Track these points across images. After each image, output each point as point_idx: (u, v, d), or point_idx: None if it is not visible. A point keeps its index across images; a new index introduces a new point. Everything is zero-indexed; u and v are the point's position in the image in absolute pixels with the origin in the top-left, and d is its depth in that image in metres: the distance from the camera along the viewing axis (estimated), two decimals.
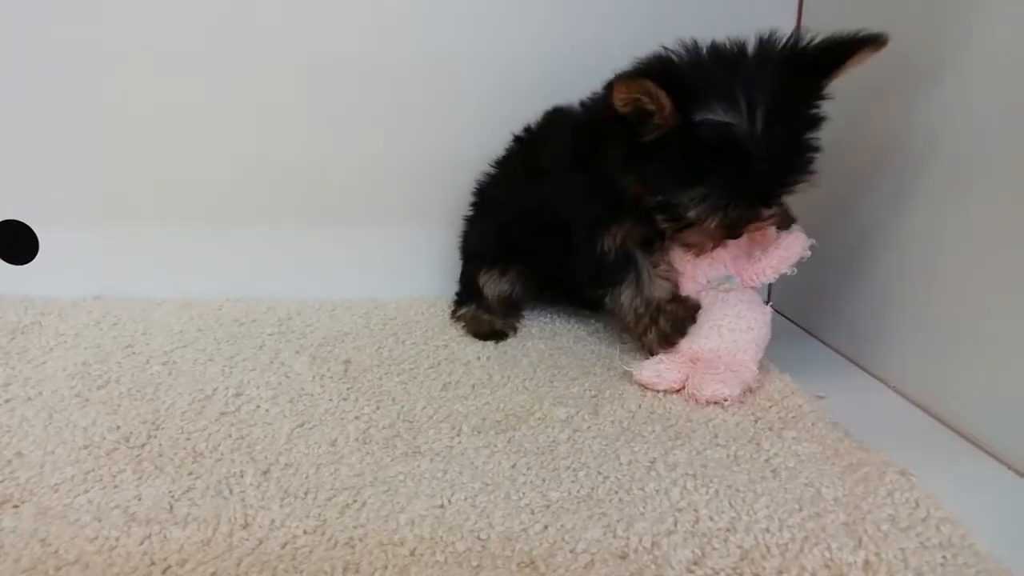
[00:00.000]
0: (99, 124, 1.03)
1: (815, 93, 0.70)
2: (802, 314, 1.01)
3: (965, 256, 0.71)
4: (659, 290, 0.83)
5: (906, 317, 0.79)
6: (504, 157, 0.98)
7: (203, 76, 1.01)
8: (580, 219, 0.84)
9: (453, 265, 1.07)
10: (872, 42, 0.67)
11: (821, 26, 0.71)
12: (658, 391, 0.77)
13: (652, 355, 0.81)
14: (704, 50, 0.72)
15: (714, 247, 0.79)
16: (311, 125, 1.05)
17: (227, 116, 1.04)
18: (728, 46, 0.72)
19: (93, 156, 1.04)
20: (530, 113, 0.96)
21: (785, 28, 0.87)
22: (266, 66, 1.02)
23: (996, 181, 0.68)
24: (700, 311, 0.80)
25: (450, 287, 1.05)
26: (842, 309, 0.91)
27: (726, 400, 0.73)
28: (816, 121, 0.71)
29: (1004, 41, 0.68)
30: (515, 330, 0.96)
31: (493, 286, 0.96)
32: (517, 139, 0.96)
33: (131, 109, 1.02)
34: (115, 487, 0.58)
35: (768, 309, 0.80)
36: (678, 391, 0.77)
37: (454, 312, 0.99)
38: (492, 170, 0.99)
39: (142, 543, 0.51)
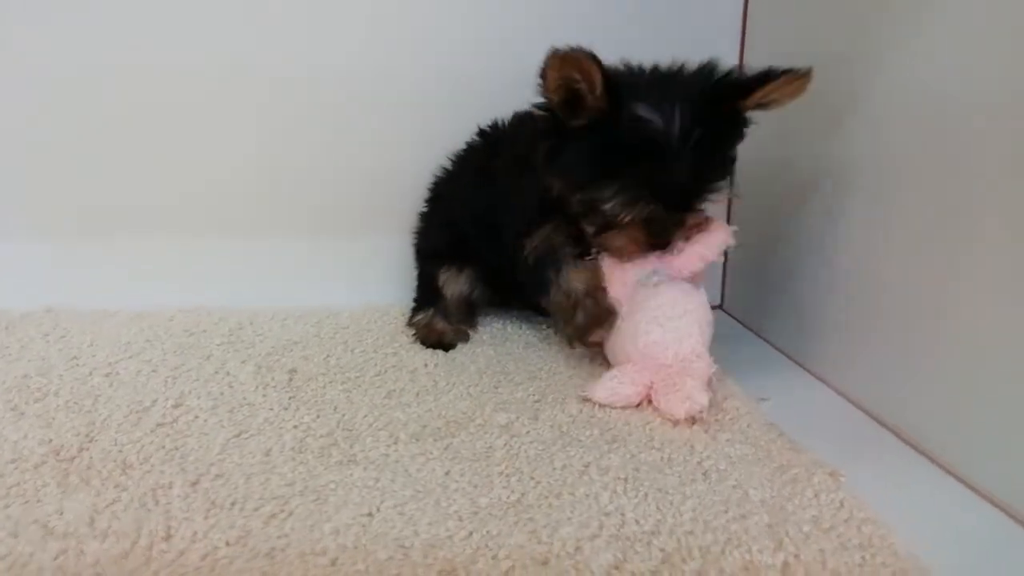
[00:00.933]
0: (51, 137, 1.02)
1: (735, 111, 0.72)
2: (750, 316, 1.02)
3: (900, 259, 0.72)
4: (577, 281, 0.81)
5: (848, 320, 0.80)
6: (463, 152, 0.97)
7: (156, 91, 1.01)
8: (511, 223, 0.85)
9: (408, 273, 1.07)
10: (790, 75, 0.69)
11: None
12: (618, 408, 0.74)
13: (571, 347, 0.85)
14: (642, 64, 0.75)
15: (638, 253, 0.78)
16: (264, 136, 1.05)
17: (178, 130, 1.03)
18: (667, 67, 0.74)
19: (45, 169, 1.04)
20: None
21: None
22: (219, 80, 1.02)
23: (914, 191, 0.70)
24: (632, 310, 0.79)
25: (404, 295, 1.05)
26: (789, 312, 0.91)
27: (702, 411, 0.71)
28: (734, 135, 0.74)
29: (914, 68, 0.70)
30: (467, 338, 0.96)
31: (452, 286, 0.95)
32: (481, 133, 0.95)
33: (82, 123, 1.02)
34: (38, 501, 0.57)
35: (703, 293, 0.80)
36: (639, 405, 0.75)
37: (410, 319, 0.98)
38: (449, 164, 0.98)
39: (56, 558, 0.51)
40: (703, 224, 0.78)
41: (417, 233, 1.02)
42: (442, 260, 0.97)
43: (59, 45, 0.99)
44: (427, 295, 0.98)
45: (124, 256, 1.07)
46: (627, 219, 0.74)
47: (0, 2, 0.97)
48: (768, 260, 0.95)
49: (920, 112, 0.69)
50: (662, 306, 0.77)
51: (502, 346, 0.93)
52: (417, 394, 0.78)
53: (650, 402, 0.75)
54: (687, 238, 0.78)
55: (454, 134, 1.02)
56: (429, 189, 1.01)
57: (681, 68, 0.74)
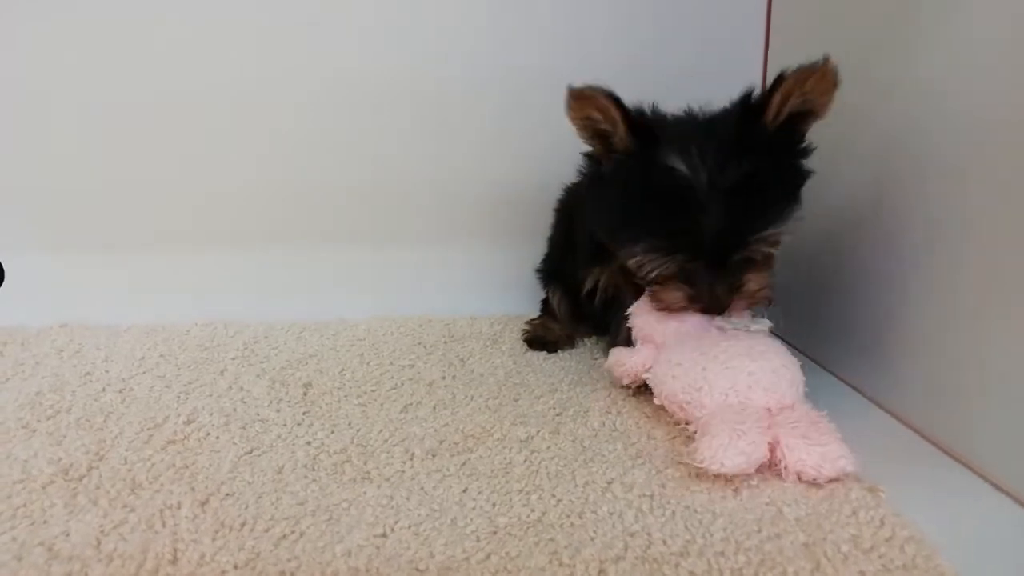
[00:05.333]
0: (64, 155, 1.03)
1: (777, 142, 0.66)
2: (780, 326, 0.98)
3: (938, 266, 0.69)
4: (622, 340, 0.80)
5: (886, 328, 0.76)
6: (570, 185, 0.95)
7: (171, 107, 1.01)
8: (579, 258, 0.85)
9: (423, 285, 1.06)
10: (803, 71, 0.64)
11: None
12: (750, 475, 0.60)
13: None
14: (671, 113, 0.73)
15: (688, 311, 0.72)
16: (279, 150, 1.05)
17: (192, 146, 1.04)
18: (697, 109, 0.72)
19: (60, 185, 1.04)
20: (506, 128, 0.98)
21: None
22: (233, 96, 1.01)
23: (944, 198, 0.66)
24: (700, 354, 0.68)
25: (421, 306, 1.04)
26: (822, 320, 0.88)
27: (847, 475, 0.59)
28: (780, 170, 0.67)
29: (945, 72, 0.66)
30: (573, 343, 0.95)
31: (558, 301, 0.96)
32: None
33: (95, 140, 1.02)
34: (44, 523, 0.55)
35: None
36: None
37: (528, 322, 1.00)
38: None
39: None
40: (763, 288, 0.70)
41: (542, 260, 1.03)
42: (548, 280, 0.99)
43: (75, 64, 0.99)
44: (544, 307, 1.00)
45: (139, 271, 1.07)
46: (655, 275, 0.69)
47: (28, 29, 0.97)
48: (799, 271, 0.91)
49: (955, 116, 0.66)
50: (753, 346, 0.68)
51: (521, 357, 0.90)
52: (434, 408, 0.76)
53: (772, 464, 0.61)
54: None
55: (471, 145, 1.02)
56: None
57: (713, 112, 0.71)
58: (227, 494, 0.60)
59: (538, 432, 0.70)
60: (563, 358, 0.90)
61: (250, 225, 1.07)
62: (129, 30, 0.98)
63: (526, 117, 1.04)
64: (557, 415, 0.74)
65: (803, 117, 0.67)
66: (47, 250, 1.06)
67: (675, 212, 0.66)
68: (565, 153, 0.94)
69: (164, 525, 0.55)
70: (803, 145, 0.69)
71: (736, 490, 0.59)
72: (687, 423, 0.67)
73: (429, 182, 1.07)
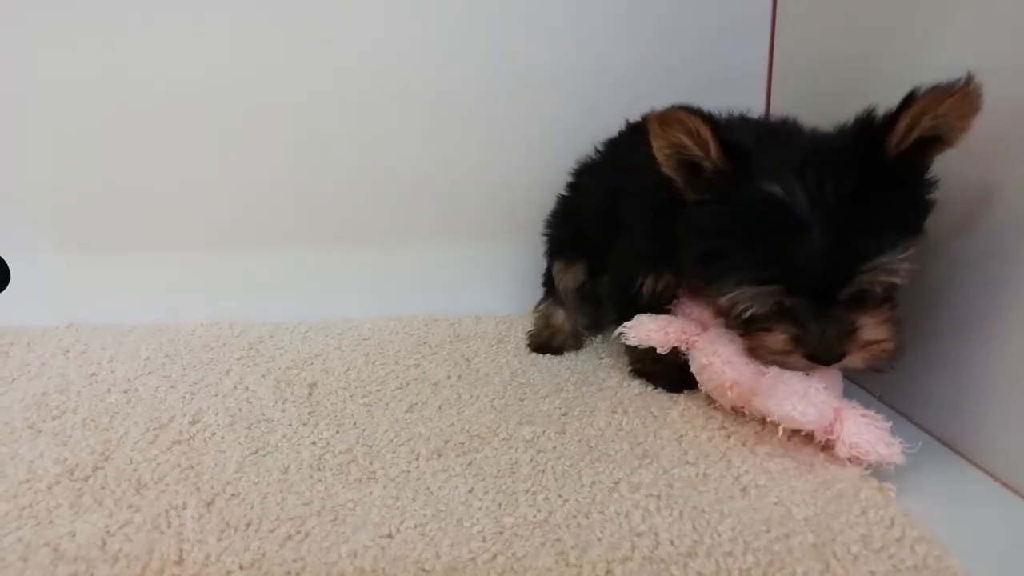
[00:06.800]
0: (68, 155, 1.03)
1: (896, 162, 0.57)
2: None
3: (941, 265, 0.68)
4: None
5: None
6: (610, 140, 0.89)
7: (178, 106, 1.01)
8: (632, 239, 0.78)
9: (429, 284, 1.05)
10: (939, 91, 0.54)
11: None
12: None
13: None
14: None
15: (794, 366, 0.63)
16: (285, 151, 1.05)
17: (198, 145, 1.03)
18: (773, 121, 0.69)
19: (66, 185, 1.04)
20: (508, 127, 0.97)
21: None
22: (241, 94, 1.01)
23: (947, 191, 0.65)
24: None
25: (426, 305, 1.03)
26: None
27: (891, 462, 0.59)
28: (896, 192, 0.57)
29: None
30: (581, 344, 0.92)
31: (563, 279, 0.93)
32: (629, 124, 0.85)
33: (101, 140, 1.02)
34: (49, 523, 0.55)
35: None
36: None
37: (535, 307, 0.97)
38: (595, 153, 0.91)
39: None
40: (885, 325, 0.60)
41: (548, 219, 0.97)
42: (558, 252, 0.94)
43: (79, 64, 0.99)
44: (547, 284, 0.97)
45: (145, 271, 1.07)
46: (750, 314, 0.61)
47: (31, 28, 0.97)
48: None
49: None
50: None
51: (527, 357, 0.90)
52: (439, 407, 0.76)
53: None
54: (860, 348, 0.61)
55: (476, 144, 1.01)
56: (570, 174, 0.95)
57: (798, 123, 0.67)
58: (232, 494, 0.60)
59: (544, 432, 0.69)
60: (569, 358, 0.89)
61: (255, 225, 1.07)
62: (133, 30, 0.98)
63: (532, 117, 1.04)
64: (563, 415, 0.73)
65: (931, 144, 0.57)
66: (52, 250, 1.06)
67: (770, 237, 0.57)
68: (571, 152, 0.95)
69: (169, 525, 0.55)
70: (927, 176, 0.59)
71: (744, 490, 0.59)
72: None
73: (434, 181, 1.07)
